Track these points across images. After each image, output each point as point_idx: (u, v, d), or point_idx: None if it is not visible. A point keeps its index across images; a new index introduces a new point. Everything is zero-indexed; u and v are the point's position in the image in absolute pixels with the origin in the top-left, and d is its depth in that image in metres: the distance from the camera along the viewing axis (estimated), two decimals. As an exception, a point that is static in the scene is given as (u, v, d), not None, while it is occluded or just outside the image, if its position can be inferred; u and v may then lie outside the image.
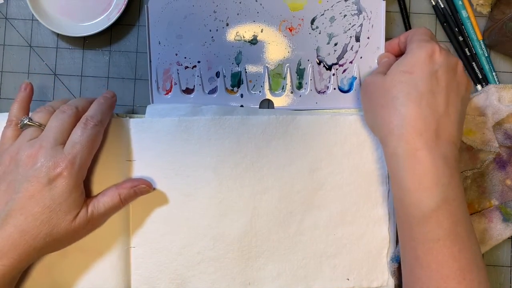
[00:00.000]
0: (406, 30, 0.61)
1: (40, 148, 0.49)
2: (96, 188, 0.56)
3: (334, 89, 0.60)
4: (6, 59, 0.62)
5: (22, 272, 0.51)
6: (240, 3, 0.60)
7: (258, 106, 0.60)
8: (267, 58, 0.60)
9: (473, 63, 0.61)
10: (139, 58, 0.62)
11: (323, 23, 0.60)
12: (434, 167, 0.47)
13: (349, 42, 0.60)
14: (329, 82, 0.60)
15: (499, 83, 0.61)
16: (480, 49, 0.61)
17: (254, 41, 0.60)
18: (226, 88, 0.60)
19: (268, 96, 0.60)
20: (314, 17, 0.60)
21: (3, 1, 0.62)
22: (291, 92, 0.60)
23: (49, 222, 0.48)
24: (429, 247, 0.47)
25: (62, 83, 0.62)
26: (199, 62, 0.60)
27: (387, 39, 0.60)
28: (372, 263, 0.57)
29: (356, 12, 0.60)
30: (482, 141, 0.57)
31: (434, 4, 0.61)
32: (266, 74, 0.60)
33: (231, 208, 0.57)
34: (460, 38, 0.61)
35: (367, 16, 0.60)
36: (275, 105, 0.60)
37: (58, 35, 0.62)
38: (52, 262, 0.56)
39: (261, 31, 0.60)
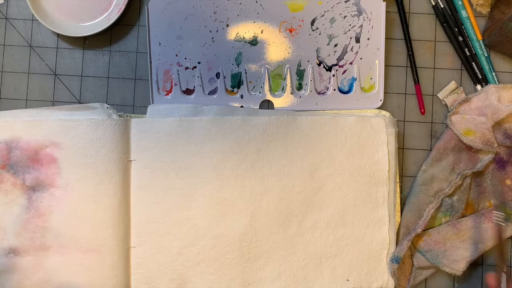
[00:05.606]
0: (404, 31, 0.61)
1: None
2: (96, 187, 0.56)
3: (334, 90, 0.60)
4: (6, 59, 0.62)
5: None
6: (240, 4, 0.60)
7: (258, 107, 0.60)
8: (267, 59, 0.60)
9: (473, 63, 0.61)
10: (139, 58, 0.62)
11: (323, 24, 0.60)
12: None
13: (349, 43, 0.60)
14: (329, 83, 0.60)
15: (499, 83, 0.61)
16: (480, 49, 0.61)
17: (254, 42, 0.60)
18: (226, 89, 0.60)
19: (268, 97, 0.60)
20: (314, 18, 0.60)
21: (3, 1, 0.62)
22: (291, 93, 0.60)
23: None
24: None
25: (62, 83, 0.62)
26: (199, 63, 0.60)
27: (387, 39, 0.60)
28: (372, 264, 0.57)
29: (356, 13, 0.60)
30: (481, 141, 0.57)
31: (434, 4, 0.61)
32: (266, 75, 0.60)
33: (231, 209, 0.57)
34: (460, 38, 0.61)
35: (367, 17, 0.60)
36: (275, 106, 0.60)
37: (58, 35, 0.62)
38: (53, 262, 0.56)
39: (261, 32, 0.60)
